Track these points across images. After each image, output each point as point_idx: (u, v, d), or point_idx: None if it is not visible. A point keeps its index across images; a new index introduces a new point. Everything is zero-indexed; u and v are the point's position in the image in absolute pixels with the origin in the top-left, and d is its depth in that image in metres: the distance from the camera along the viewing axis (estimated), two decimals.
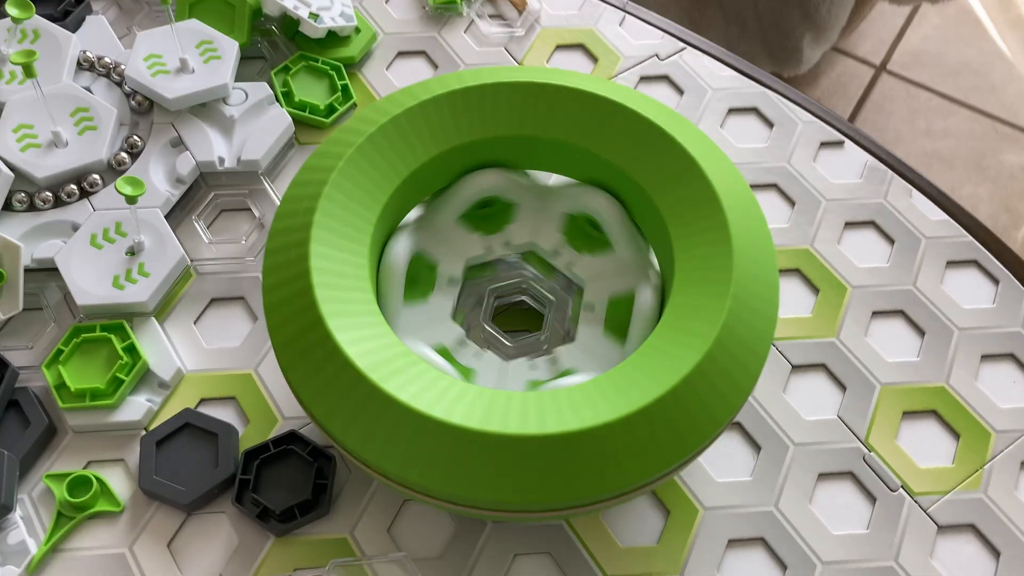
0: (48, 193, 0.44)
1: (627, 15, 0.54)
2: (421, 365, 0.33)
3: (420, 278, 0.39)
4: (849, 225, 0.47)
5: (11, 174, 0.43)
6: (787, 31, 0.89)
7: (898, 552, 0.38)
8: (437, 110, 0.38)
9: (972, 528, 0.39)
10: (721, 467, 0.40)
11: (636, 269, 0.39)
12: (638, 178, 0.37)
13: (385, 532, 0.39)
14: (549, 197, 0.40)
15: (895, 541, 0.39)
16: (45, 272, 0.44)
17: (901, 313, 0.44)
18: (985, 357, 0.43)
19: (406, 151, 0.37)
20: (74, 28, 0.50)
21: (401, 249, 0.38)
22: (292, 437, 0.39)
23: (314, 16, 0.49)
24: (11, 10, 0.43)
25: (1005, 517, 0.39)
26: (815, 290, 0.45)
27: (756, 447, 0.41)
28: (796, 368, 0.43)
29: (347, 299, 0.34)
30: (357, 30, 0.52)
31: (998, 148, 1.09)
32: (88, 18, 0.50)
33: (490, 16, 0.54)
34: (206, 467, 0.39)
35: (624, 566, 0.38)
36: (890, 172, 0.49)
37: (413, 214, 0.41)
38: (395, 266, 0.37)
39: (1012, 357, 0.43)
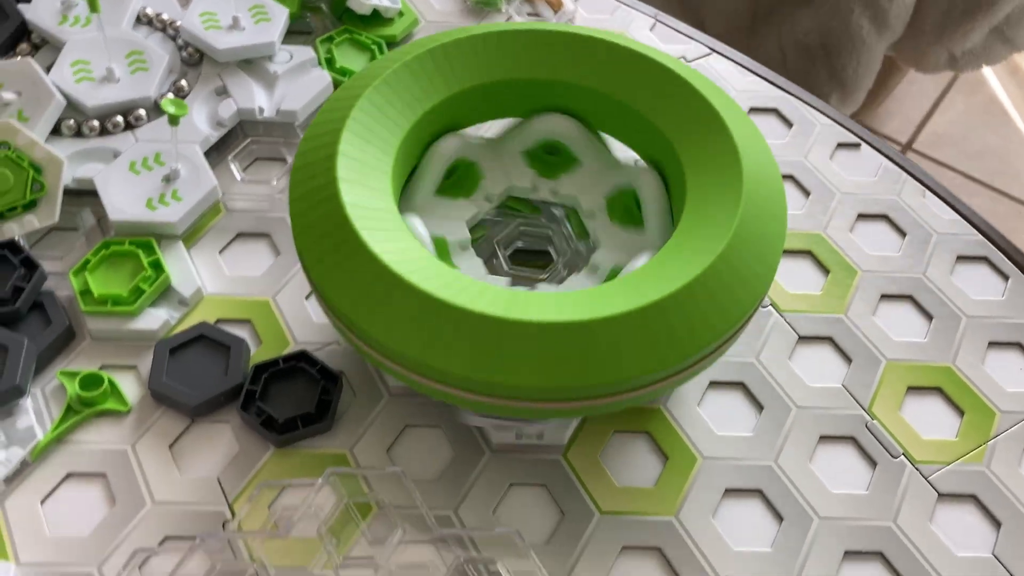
0: (95, 122, 0.46)
1: (657, 22, 0.57)
2: (443, 265, 0.34)
3: (464, 185, 0.41)
4: (862, 216, 0.48)
5: (63, 100, 0.46)
6: (814, 89, 0.92)
7: (897, 514, 0.38)
8: (471, 46, 0.40)
9: (973, 498, 0.39)
10: (722, 422, 0.40)
11: (609, 168, 0.41)
12: (617, 94, 0.39)
13: (384, 452, 0.39)
14: (501, 145, 0.42)
15: (895, 504, 0.38)
16: (84, 196, 0.46)
17: (910, 298, 0.45)
18: (992, 344, 0.44)
19: (444, 79, 0.39)
20: None
21: (452, 143, 0.40)
22: (302, 356, 0.40)
23: None
24: None
25: (1007, 491, 0.39)
26: (825, 271, 0.46)
27: (759, 406, 0.41)
28: (803, 339, 0.43)
29: (369, 198, 0.35)
30: (400, 13, 0.55)
31: (1020, 227, 1.10)
32: None
33: (528, 14, 0.57)
34: (215, 375, 0.40)
35: (619, 503, 0.38)
36: (904, 174, 0.50)
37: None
38: (440, 153, 0.39)
39: (1020, 346, 0.44)
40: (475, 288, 0.33)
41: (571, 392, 0.32)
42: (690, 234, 0.35)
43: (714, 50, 0.56)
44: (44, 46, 0.50)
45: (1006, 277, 0.46)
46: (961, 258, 0.47)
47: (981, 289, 0.45)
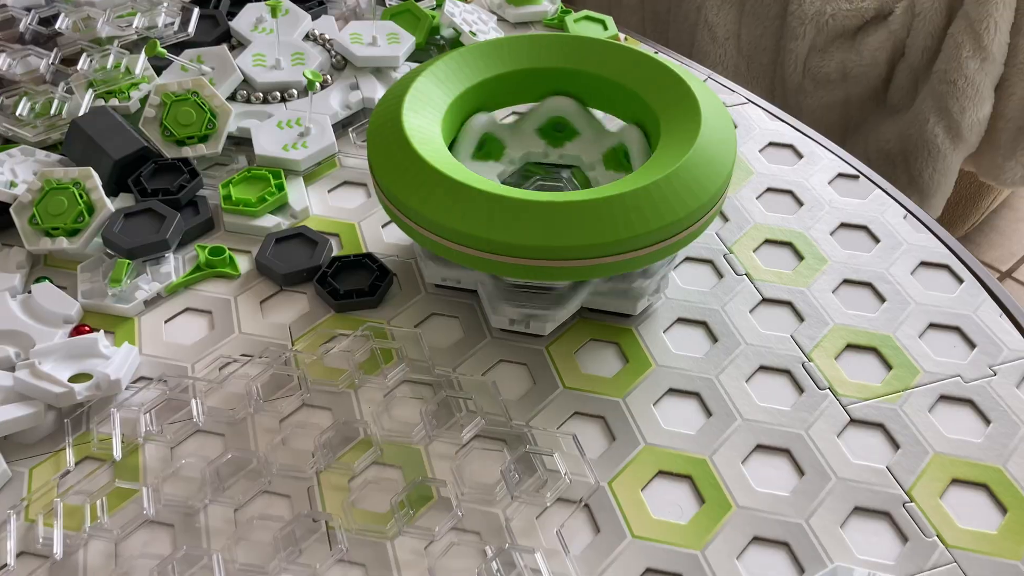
0: (260, 94, 0.63)
1: (709, 79, 0.69)
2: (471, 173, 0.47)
3: (492, 154, 0.54)
4: (844, 225, 0.57)
5: (240, 76, 0.63)
6: None
7: (809, 427, 0.46)
8: (480, 52, 0.54)
9: None
10: (680, 345, 0.50)
11: (601, 135, 0.54)
12: (606, 73, 0.52)
13: (412, 326, 0.51)
14: (520, 125, 0.55)
15: (809, 420, 0.46)
16: (243, 143, 0.62)
17: (869, 285, 0.53)
18: None
19: (481, 67, 0.53)
20: (313, 18, 0.72)
21: (481, 119, 0.53)
22: (368, 256, 0.54)
23: (472, 33, 0.68)
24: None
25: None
26: (799, 257, 0.55)
27: (714, 339, 0.50)
28: (766, 300, 0.52)
29: (426, 129, 0.49)
30: None
31: None
32: (324, 15, 0.72)
33: None
34: (304, 258, 0.53)
35: (580, 383, 0.48)
36: (890, 200, 0.59)
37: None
38: (473, 127, 0.53)
39: None
40: (490, 183, 0.46)
41: (576, 252, 0.43)
42: (660, 157, 0.46)
43: (750, 100, 0.67)
44: (238, 47, 0.69)
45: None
46: (925, 263, 0.55)
47: (933, 285, 0.53)
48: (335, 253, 0.55)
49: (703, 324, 0.51)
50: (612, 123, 0.64)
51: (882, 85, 1.00)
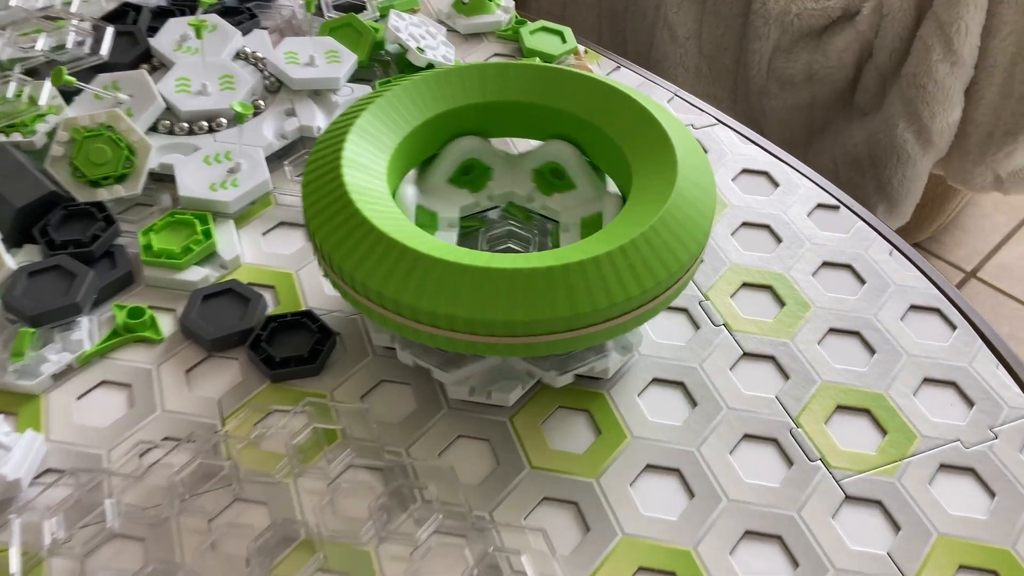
0: (185, 124, 0.57)
1: (676, 97, 0.65)
2: (428, 235, 0.41)
3: (424, 223, 0.48)
4: (827, 264, 0.53)
5: (163, 104, 0.57)
6: (862, 200, 0.97)
7: (802, 507, 0.41)
8: (436, 81, 0.48)
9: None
10: (656, 411, 0.45)
11: (597, 198, 0.47)
12: (601, 124, 0.46)
13: (359, 398, 0.45)
14: (518, 160, 0.50)
15: (801, 498, 0.42)
16: (166, 180, 0.56)
17: (857, 334, 0.49)
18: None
19: (412, 110, 0.47)
20: (244, 33, 0.65)
21: (409, 192, 0.47)
22: (307, 314, 0.48)
23: (420, 50, 0.63)
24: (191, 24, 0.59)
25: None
26: (780, 303, 0.51)
27: (693, 403, 0.46)
28: (747, 355, 0.48)
29: (368, 183, 0.43)
30: None
31: None
32: (256, 30, 0.66)
33: None
34: (234, 319, 0.48)
35: (548, 462, 0.43)
36: (874, 233, 0.55)
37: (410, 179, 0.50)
38: (406, 203, 0.47)
39: None
40: (427, 239, 0.40)
41: (529, 328, 0.38)
42: (627, 218, 0.41)
43: (722, 122, 0.62)
44: (160, 68, 0.62)
45: (954, 327, 0.50)
46: (915, 307, 0.51)
47: (926, 334, 0.49)
48: (270, 311, 0.49)
49: (680, 385, 0.47)
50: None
51: (849, 87, 0.97)
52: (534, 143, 0.59)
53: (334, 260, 0.41)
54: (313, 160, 0.44)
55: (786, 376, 0.47)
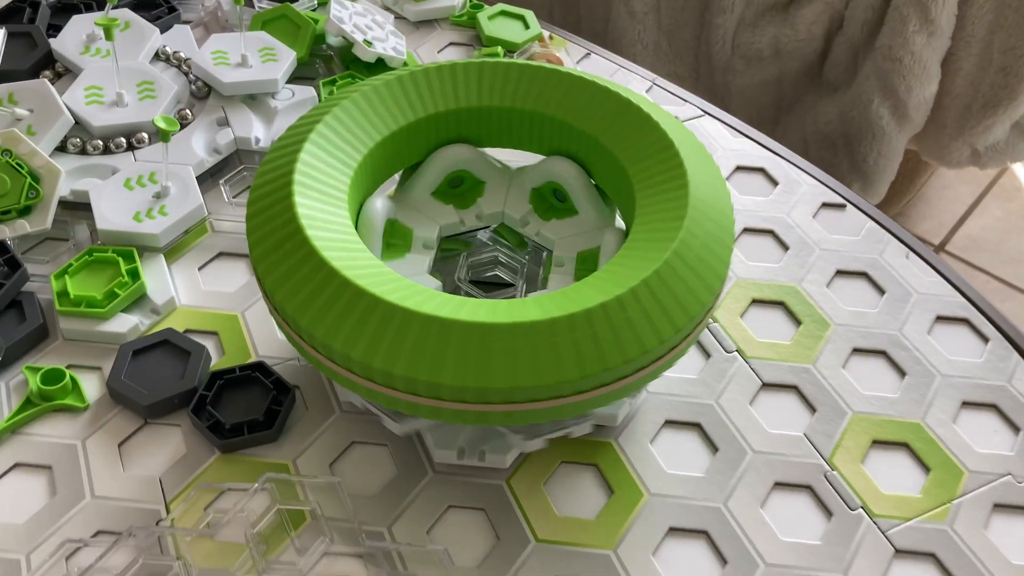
0: (99, 141, 0.49)
1: (654, 85, 0.58)
2: (392, 273, 0.35)
3: (396, 242, 0.41)
4: (841, 273, 0.48)
5: (71, 119, 0.48)
6: (837, 180, 0.93)
7: (849, 566, 0.36)
8: (412, 82, 0.41)
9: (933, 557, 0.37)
10: (673, 460, 0.39)
11: (600, 229, 0.41)
12: (604, 140, 0.39)
13: (327, 466, 0.39)
14: (516, 175, 0.43)
15: (847, 556, 0.37)
16: (81, 209, 0.48)
17: (883, 354, 0.44)
18: (966, 403, 0.42)
19: (383, 116, 0.40)
20: (163, 30, 0.57)
21: (378, 206, 0.40)
22: (259, 367, 0.41)
23: (367, 43, 0.55)
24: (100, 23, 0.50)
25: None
26: (796, 321, 0.45)
27: (713, 448, 0.40)
28: (766, 386, 0.42)
29: (324, 212, 0.36)
30: (405, 63, 0.57)
31: None
32: (176, 25, 0.57)
33: None
34: (172, 378, 0.40)
35: (557, 533, 0.37)
36: (887, 234, 0.50)
37: (388, 188, 0.43)
38: (373, 220, 0.40)
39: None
40: (401, 285, 0.33)
41: (510, 393, 0.32)
42: (629, 255, 0.35)
43: (709, 114, 0.57)
44: (66, 74, 0.54)
45: (985, 339, 0.45)
46: (941, 318, 0.46)
47: (957, 349, 0.44)
48: (215, 364, 0.42)
49: (697, 427, 0.41)
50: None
51: (818, 61, 0.92)
52: (534, 156, 0.51)
53: (288, 313, 0.34)
54: (259, 186, 0.37)
55: (812, 408, 0.42)
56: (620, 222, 0.43)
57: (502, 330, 0.32)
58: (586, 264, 0.40)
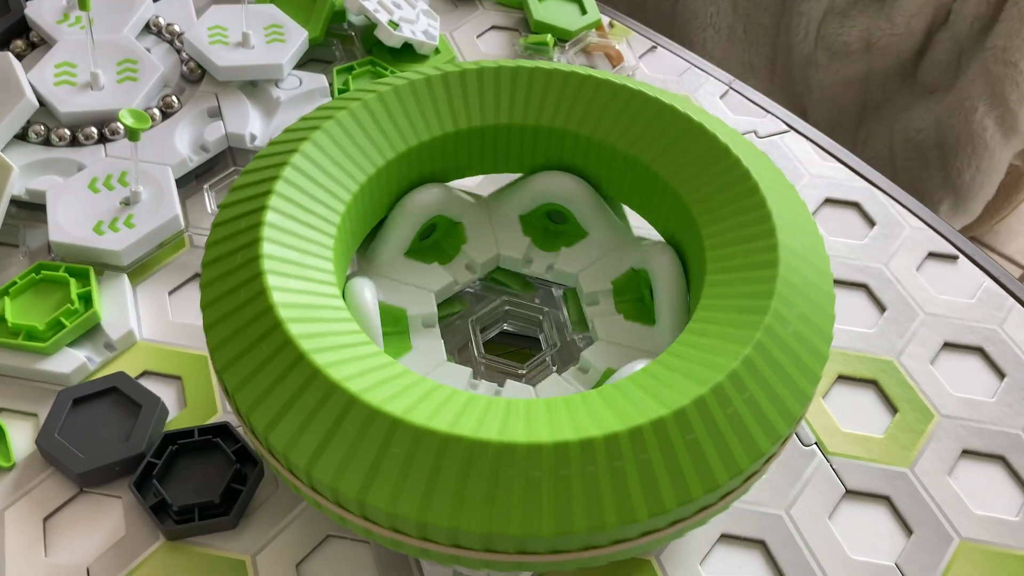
0: (66, 131, 0.41)
1: (731, 90, 0.49)
2: (395, 367, 0.26)
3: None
4: (948, 346, 0.38)
5: (35, 103, 0.41)
6: (924, 195, 0.82)
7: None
8: (376, 110, 0.33)
9: None
10: None
11: (623, 244, 0.33)
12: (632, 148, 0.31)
13: (294, 566, 0.31)
14: (495, 205, 0.35)
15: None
16: (38, 210, 0.40)
17: (1001, 460, 0.35)
18: None
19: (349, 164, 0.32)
20: None
21: (429, 195, 0.33)
22: (222, 430, 0.33)
23: (393, 24, 0.47)
24: None
25: None
26: (892, 408, 0.36)
27: (779, 573, 0.32)
28: (851, 493, 0.34)
29: (309, 286, 0.28)
30: (437, 51, 0.48)
31: None
32: None
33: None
34: (115, 439, 0.33)
35: None
36: (1010, 299, 0.40)
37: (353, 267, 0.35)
38: (413, 205, 0.32)
39: None
40: (441, 395, 0.25)
41: (532, 543, 0.24)
42: (699, 337, 0.27)
43: (793, 128, 0.47)
44: (42, 45, 0.46)
45: None
46: None
47: None
48: (171, 421, 0.35)
49: (761, 545, 0.32)
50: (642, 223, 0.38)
51: (914, 59, 0.81)
52: (506, 176, 0.40)
53: (257, 429, 0.26)
54: (217, 242, 0.29)
55: (908, 530, 0.33)
56: (648, 232, 0.35)
57: (579, 449, 0.24)
58: (626, 296, 0.33)
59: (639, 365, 0.29)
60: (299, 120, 0.33)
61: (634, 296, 0.33)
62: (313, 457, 0.24)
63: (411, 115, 0.32)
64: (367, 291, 0.30)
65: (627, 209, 0.37)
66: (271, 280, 0.27)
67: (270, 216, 0.29)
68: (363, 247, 0.34)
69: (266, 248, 0.28)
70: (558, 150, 0.33)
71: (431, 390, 0.25)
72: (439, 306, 0.34)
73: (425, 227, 0.34)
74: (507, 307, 0.35)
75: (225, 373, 0.27)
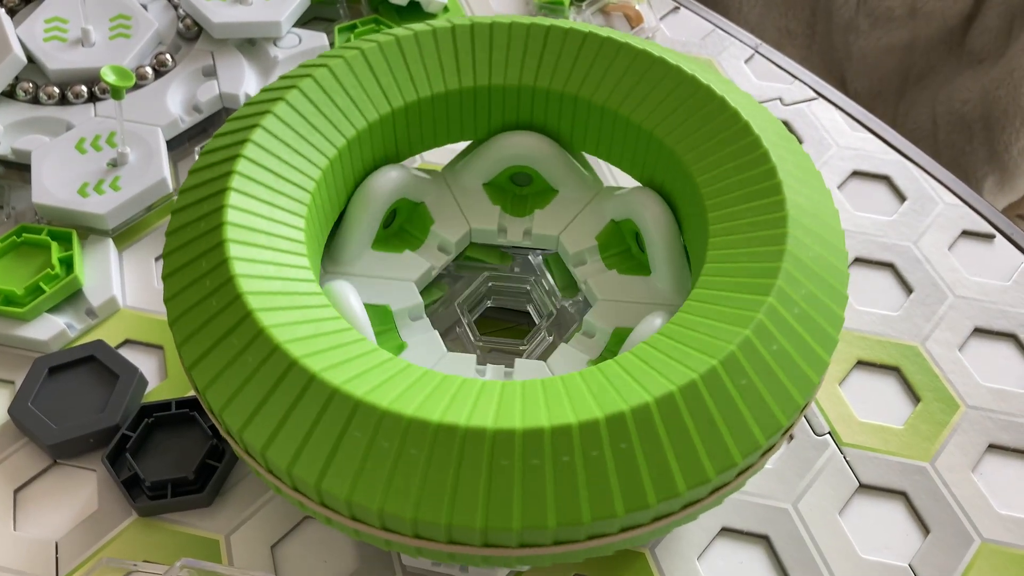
0: (55, 88, 0.40)
1: (757, 54, 0.46)
2: (361, 344, 0.25)
3: (409, 231, 0.32)
4: (979, 332, 0.36)
5: (23, 59, 0.39)
6: (967, 169, 0.78)
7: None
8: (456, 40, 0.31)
9: None
10: None
11: (597, 198, 0.32)
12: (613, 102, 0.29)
13: (268, 547, 0.30)
14: (453, 178, 0.33)
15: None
16: (23, 170, 0.39)
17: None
18: None
19: (395, 81, 0.30)
20: None
21: (390, 178, 0.30)
22: (199, 403, 0.32)
23: None
24: None
25: None
26: (914, 398, 0.34)
27: (783, 574, 0.29)
28: (864, 488, 0.31)
29: (283, 271, 0.26)
30: (445, 8, 0.46)
31: None
32: None
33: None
34: (90, 410, 0.32)
35: None
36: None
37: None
38: (375, 192, 0.30)
39: None
40: (408, 376, 0.23)
41: (514, 537, 0.22)
42: (697, 317, 0.25)
43: (821, 95, 0.44)
44: (32, 1, 0.45)
45: None
46: None
47: None
48: (149, 392, 0.33)
49: (764, 540, 0.30)
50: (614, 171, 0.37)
51: (962, 26, 0.77)
52: (456, 146, 0.37)
53: (229, 425, 0.24)
54: (180, 214, 0.28)
55: (925, 529, 0.30)
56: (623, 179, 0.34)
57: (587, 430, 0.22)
58: (612, 249, 0.32)
59: (657, 320, 0.27)
60: (260, 92, 0.31)
61: (620, 248, 0.31)
62: (269, 439, 0.23)
63: (368, 88, 0.30)
64: (351, 295, 0.28)
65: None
66: (233, 250, 0.25)
67: (234, 198, 0.27)
68: (326, 248, 0.32)
69: (231, 215, 0.26)
70: (524, 110, 0.31)
71: (401, 371, 0.23)
72: (476, 248, 0.33)
73: (515, 172, 0.32)
74: (491, 283, 0.33)
75: (184, 347, 0.25)
